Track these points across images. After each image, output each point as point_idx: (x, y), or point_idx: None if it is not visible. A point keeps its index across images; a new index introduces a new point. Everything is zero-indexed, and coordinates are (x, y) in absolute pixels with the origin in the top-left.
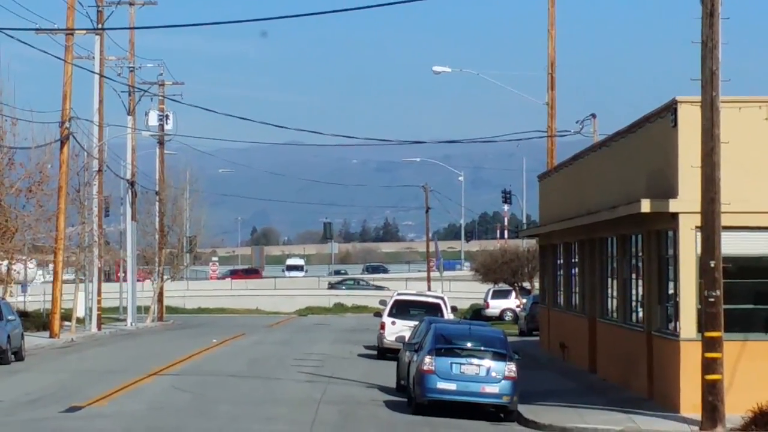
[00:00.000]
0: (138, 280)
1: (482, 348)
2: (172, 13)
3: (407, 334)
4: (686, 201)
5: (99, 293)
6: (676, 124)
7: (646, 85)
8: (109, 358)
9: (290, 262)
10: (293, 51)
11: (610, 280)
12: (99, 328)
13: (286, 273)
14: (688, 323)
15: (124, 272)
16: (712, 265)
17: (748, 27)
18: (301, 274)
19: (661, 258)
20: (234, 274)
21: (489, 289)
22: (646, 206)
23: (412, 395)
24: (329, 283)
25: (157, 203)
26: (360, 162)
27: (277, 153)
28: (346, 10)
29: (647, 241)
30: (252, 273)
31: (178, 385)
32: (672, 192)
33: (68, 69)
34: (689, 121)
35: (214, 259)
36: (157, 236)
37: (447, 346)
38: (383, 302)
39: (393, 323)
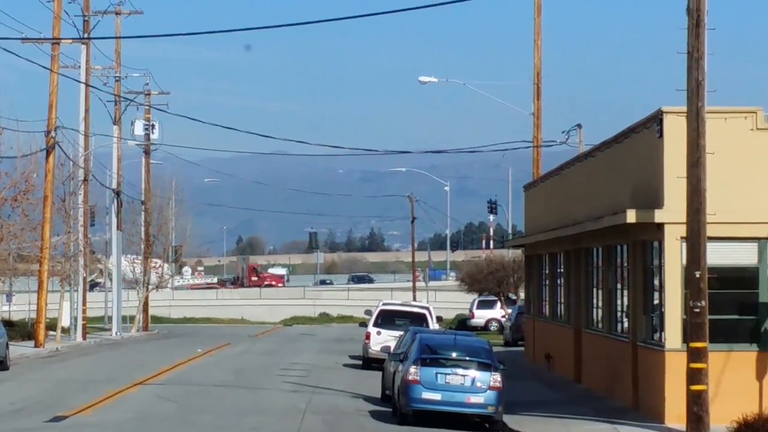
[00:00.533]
0: (272, 285)
1: (467, 358)
2: (159, 22)
3: (392, 344)
4: (672, 211)
5: (84, 302)
6: (661, 135)
7: (632, 96)
8: (94, 368)
9: (271, 271)
10: (279, 60)
11: (595, 290)
12: (84, 338)
13: (267, 283)
14: (673, 333)
15: (242, 276)
16: (698, 275)
17: (734, 37)
18: (280, 283)
19: (647, 268)
20: (221, 284)
21: (474, 299)
22: (631, 217)
23: (397, 405)
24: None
25: (142, 213)
26: (346, 172)
27: (263, 162)
28: (332, 20)
29: (633, 252)
30: (236, 282)
31: (162, 394)
32: (657, 202)
33: (54, 78)
34: (675, 131)
35: (200, 268)
36: (142, 246)
37: (432, 356)
38: (368, 312)
39: (378, 333)
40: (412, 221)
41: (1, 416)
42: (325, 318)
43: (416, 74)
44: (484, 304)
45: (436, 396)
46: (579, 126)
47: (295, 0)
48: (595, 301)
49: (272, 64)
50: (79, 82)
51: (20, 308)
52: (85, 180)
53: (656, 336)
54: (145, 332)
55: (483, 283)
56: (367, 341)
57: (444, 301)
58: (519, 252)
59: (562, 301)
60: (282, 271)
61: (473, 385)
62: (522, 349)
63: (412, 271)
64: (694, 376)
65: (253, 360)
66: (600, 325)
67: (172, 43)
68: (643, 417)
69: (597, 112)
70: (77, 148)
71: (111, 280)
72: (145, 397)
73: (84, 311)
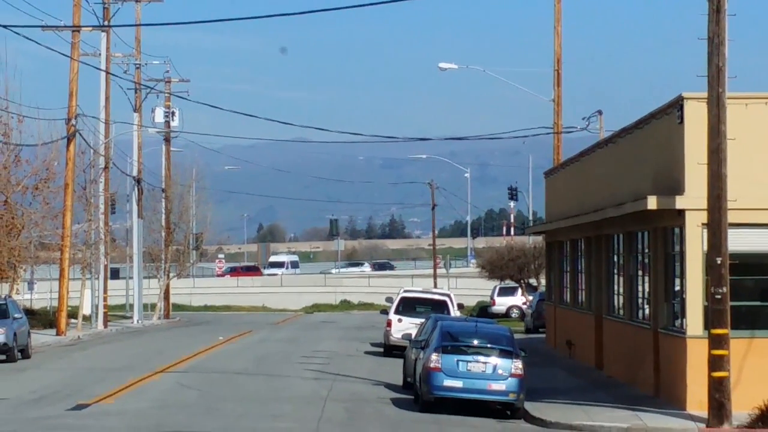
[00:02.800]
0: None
1: (489, 345)
2: (178, 10)
3: (414, 332)
4: (693, 198)
5: (105, 290)
6: (682, 121)
7: (653, 82)
8: (116, 356)
9: (272, 258)
10: (300, 48)
11: (616, 277)
12: (105, 326)
13: (266, 270)
14: (694, 320)
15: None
16: (719, 261)
17: (754, 23)
18: (280, 270)
19: (668, 255)
20: (233, 272)
21: (495, 286)
22: (652, 203)
23: (418, 393)
24: None
25: (163, 200)
26: (366, 159)
27: (283, 150)
28: (353, 7)
29: (654, 238)
30: (252, 270)
31: (184, 382)
32: (678, 189)
33: (74, 66)
34: (696, 117)
35: (221, 256)
36: (163, 233)
37: (453, 343)
38: (389, 299)
39: (399, 320)
40: (433, 208)
41: (23, 404)
42: (346, 305)
43: (436, 61)
44: (505, 291)
45: (458, 383)
46: (599, 112)
47: None
48: (616, 287)
49: (292, 50)
50: (100, 69)
51: (42, 296)
52: (106, 168)
53: (677, 323)
54: (167, 320)
55: (504, 269)
56: (388, 328)
57: (465, 288)
58: (540, 238)
59: (583, 287)
60: (282, 258)
61: (495, 373)
62: (543, 336)
63: (433, 258)
64: (716, 363)
65: (274, 347)
66: (621, 311)
67: (193, 30)
68: (664, 404)
69: (617, 99)
70: (98, 136)
71: None
72: (166, 385)
73: (105, 299)
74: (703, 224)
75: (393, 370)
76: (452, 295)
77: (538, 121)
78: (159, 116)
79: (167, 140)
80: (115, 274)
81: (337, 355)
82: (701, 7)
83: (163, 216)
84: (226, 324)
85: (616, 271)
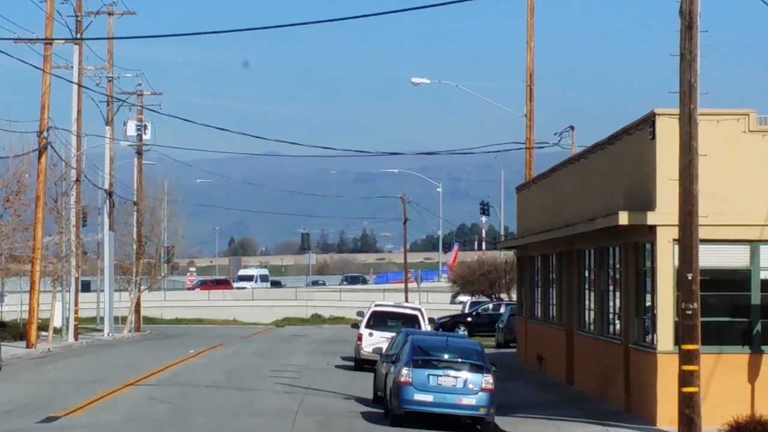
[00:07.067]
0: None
1: (459, 360)
2: (151, 23)
3: (384, 346)
4: (664, 213)
5: (76, 303)
6: (654, 137)
7: (626, 98)
8: (86, 369)
9: (242, 272)
10: (272, 61)
11: (587, 292)
12: (76, 339)
13: (235, 284)
14: (665, 336)
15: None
16: (690, 277)
17: (726, 40)
18: (249, 284)
19: (639, 270)
20: (204, 285)
21: (467, 301)
22: (623, 219)
23: (389, 407)
24: None
25: (134, 213)
26: (338, 173)
27: (255, 163)
28: (324, 21)
29: (625, 254)
30: (223, 284)
31: (155, 395)
32: (650, 204)
33: (47, 79)
34: (667, 133)
35: (192, 269)
36: (134, 246)
37: (424, 357)
38: (360, 313)
39: (370, 334)
40: (405, 222)
41: None
42: (317, 319)
43: (409, 76)
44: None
45: (428, 397)
46: (571, 128)
47: (287, 3)
48: (587, 302)
49: (265, 66)
50: (72, 82)
51: (12, 309)
52: (78, 180)
53: (648, 338)
54: (138, 333)
55: (475, 284)
56: (359, 342)
57: (436, 302)
58: (511, 253)
59: (554, 302)
60: (252, 272)
61: (465, 387)
62: (514, 350)
63: (404, 273)
64: (686, 378)
65: (245, 361)
66: (592, 327)
67: (165, 44)
68: (635, 419)
69: (590, 114)
70: (69, 149)
71: None
72: (137, 398)
73: (76, 312)
74: (674, 240)
75: (364, 384)
76: (423, 310)
77: (511, 136)
78: (131, 129)
79: (139, 153)
80: (86, 287)
81: (307, 369)
82: (674, 23)
83: (135, 229)
84: (198, 337)
85: (587, 286)
